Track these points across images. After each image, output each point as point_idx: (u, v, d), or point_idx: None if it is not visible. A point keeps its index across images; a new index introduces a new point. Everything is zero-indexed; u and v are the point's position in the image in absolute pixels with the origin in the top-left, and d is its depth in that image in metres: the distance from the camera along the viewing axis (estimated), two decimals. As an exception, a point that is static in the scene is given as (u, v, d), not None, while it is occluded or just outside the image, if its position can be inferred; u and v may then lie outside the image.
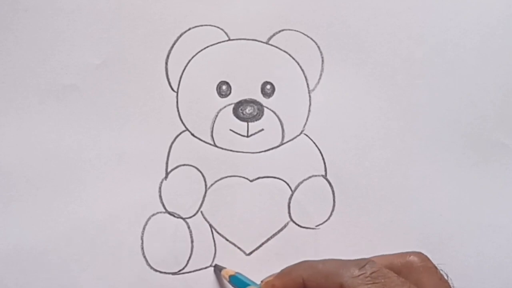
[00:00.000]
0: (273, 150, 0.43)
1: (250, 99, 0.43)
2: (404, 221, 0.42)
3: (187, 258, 0.41)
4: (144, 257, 0.41)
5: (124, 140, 0.42)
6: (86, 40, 0.43)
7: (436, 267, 0.34)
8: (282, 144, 0.43)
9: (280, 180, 0.43)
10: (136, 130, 0.42)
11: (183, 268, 0.41)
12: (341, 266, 0.32)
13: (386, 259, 0.34)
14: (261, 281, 0.36)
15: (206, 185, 0.42)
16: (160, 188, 0.42)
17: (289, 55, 0.44)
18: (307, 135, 0.43)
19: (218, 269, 0.41)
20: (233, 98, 0.43)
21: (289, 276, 0.34)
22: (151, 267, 0.41)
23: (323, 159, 0.43)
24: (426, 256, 0.34)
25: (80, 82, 0.43)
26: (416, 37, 0.44)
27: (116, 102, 0.43)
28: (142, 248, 0.41)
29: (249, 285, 0.38)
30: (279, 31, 0.44)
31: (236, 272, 0.39)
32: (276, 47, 0.44)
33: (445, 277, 0.34)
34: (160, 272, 0.41)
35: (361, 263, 0.32)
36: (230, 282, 0.39)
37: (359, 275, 0.31)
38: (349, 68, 0.44)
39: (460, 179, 0.43)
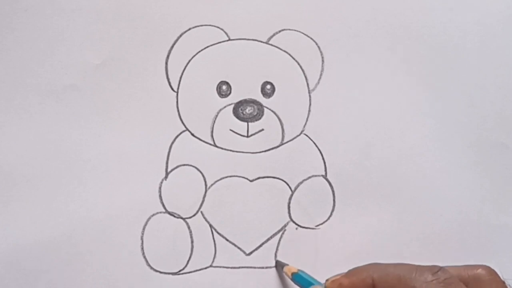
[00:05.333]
0: (273, 150, 0.43)
1: (250, 99, 0.43)
2: (404, 221, 0.42)
3: (187, 258, 0.41)
4: (144, 257, 0.41)
5: (124, 140, 0.42)
6: (86, 40, 0.43)
7: (504, 282, 0.34)
8: (282, 144, 0.43)
9: (280, 180, 0.43)
10: (136, 130, 0.42)
11: (183, 268, 0.41)
12: (414, 270, 0.33)
13: (454, 270, 0.34)
14: (326, 280, 0.36)
15: (206, 185, 0.42)
16: (160, 188, 0.42)
17: (289, 55, 0.44)
18: (307, 135, 0.43)
19: (280, 266, 0.41)
20: (233, 98, 0.43)
21: (359, 276, 0.34)
22: (151, 267, 0.41)
23: (323, 159, 0.43)
24: (494, 270, 0.34)
25: (80, 82, 0.43)
26: (416, 37, 0.44)
27: (116, 102, 0.43)
28: (142, 248, 0.41)
29: (312, 283, 0.37)
30: (279, 31, 0.44)
31: (299, 270, 0.39)
32: (276, 47, 0.44)
33: None
34: (160, 272, 0.41)
35: (434, 269, 0.32)
36: (292, 279, 0.39)
37: (432, 280, 0.32)
38: (349, 68, 0.44)
39: (460, 179, 0.43)
